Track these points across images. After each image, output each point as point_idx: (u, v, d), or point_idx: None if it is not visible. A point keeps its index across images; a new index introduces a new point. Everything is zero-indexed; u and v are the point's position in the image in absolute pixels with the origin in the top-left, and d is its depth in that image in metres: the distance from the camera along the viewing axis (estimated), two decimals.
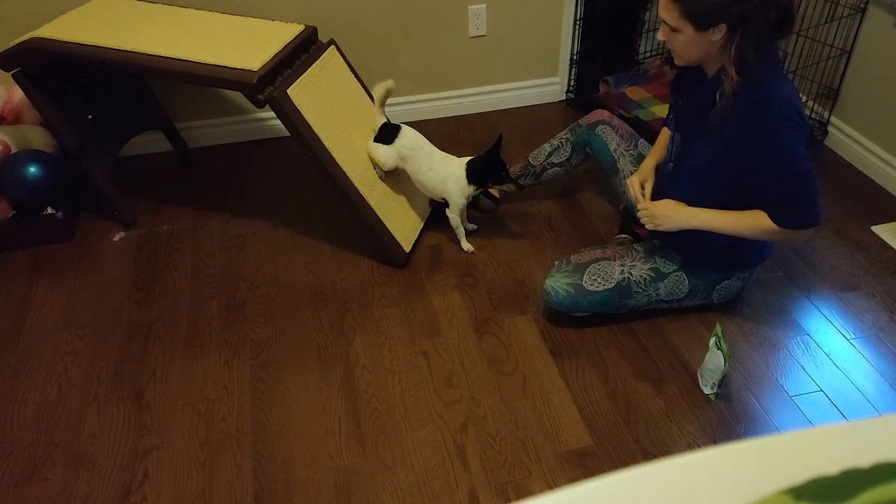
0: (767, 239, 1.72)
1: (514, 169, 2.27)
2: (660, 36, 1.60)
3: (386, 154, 2.06)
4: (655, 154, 1.95)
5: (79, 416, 1.70)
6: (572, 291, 1.80)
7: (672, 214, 1.72)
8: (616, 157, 2.09)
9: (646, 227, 1.78)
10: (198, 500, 1.51)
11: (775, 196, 1.59)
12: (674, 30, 1.54)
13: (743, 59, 1.49)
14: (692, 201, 1.71)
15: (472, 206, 2.26)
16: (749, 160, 1.57)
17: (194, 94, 2.63)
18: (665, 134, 1.96)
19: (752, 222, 1.64)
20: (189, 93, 2.62)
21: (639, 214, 1.81)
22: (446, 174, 2.06)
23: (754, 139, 1.54)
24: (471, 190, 2.08)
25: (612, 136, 2.10)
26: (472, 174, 2.04)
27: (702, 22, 1.48)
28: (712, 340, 1.64)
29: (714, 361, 1.64)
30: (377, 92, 2.03)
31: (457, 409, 1.69)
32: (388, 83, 2.00)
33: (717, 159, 1.64)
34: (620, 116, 2.28)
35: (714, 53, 1.55)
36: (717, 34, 1.49)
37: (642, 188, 1.88)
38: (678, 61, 1.63)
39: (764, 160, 1.56)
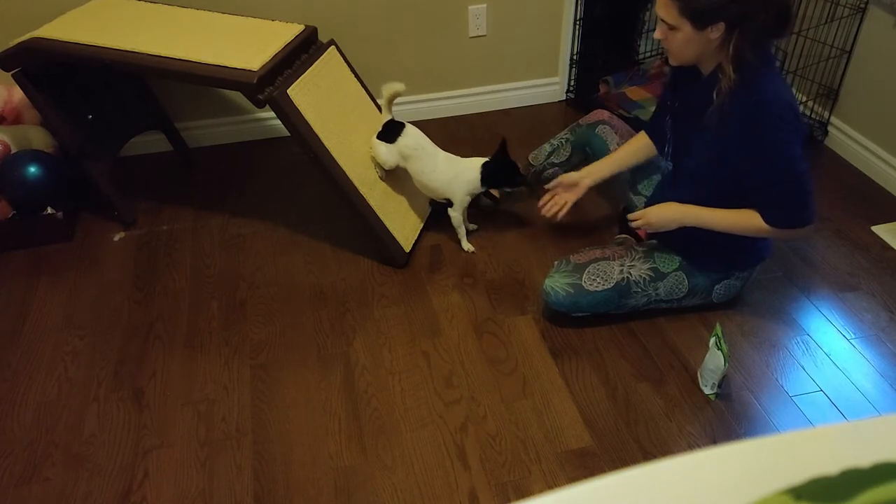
0: (762, 236, 1.72)
1: None
2: (657, 34, 1.59)
3: (387, 153, 2.06)
4: (614, 162, 1.97)
5: (79, 416, 1.70)
6: (572, 291, 1.79)
7: (665, 214, 1.73)
8: None
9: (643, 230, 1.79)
10: (198, 500, 1.51)
11: (772, 196, 1.59)
12: (672, 28, 1.53)
13: (741, 57, 1.49)
14: (692, 202, 1.71)
15: (472, 204, 2.26)
16: (747, 161, 1.57)
17: (194, 94, 2.63)
18: (637, 141, 1.96)
19: (745, 220, 1.64)
20: (189, 93, 2.62)
21: (632, 225, 1.81)
22: (453, 175, 2.06)
23: (752, 140, 1.54)
24: (479, 191, 2.08)
25: (612, 136, 2.10)
26: (488, 176, 2.05)
27: (700, 20, 1.48)
28: (712, 340, 1.64)
29: (714, 361, 1.64)
30: (385, 92, 2.03)
31: (457, 409, 1.69)
32: (398, 85, 2.01)
33: (716, 160, 1.63)
34: (620, 116, 2.27)
35: (711, 52, 1.55)
36: (716, 33, 1.49)
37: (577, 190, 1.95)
38: (673, 61, 1.63)
39: (762, 161, 1.56)
